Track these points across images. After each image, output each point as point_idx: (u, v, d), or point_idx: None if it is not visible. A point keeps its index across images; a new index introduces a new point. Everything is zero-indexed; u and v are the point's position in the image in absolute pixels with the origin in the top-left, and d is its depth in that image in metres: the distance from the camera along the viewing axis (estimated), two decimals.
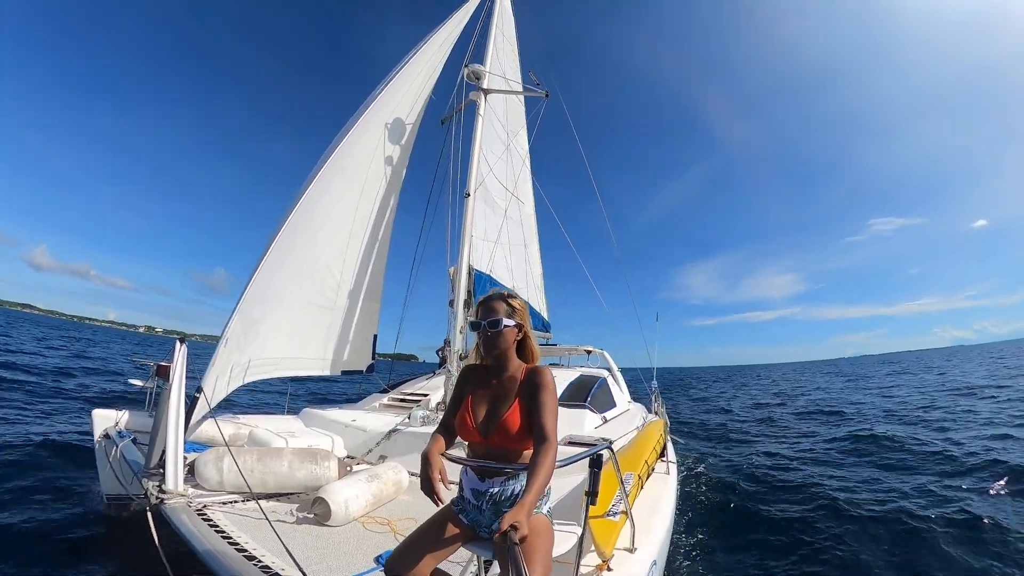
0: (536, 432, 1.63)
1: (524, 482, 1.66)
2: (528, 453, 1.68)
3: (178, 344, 2.77)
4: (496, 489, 1.67)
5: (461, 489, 1.79)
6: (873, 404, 15.70)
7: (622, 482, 2.38)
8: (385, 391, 6.23)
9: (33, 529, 3.57)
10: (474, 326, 1.81)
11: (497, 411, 1.73)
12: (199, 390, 3.20)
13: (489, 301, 1.83)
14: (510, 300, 1.84)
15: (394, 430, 4.50)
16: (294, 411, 5.72)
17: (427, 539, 1.67)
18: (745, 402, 20.54)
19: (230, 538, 2.38)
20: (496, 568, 1.99)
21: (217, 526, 2.50)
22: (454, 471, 1.79)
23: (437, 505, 1.68)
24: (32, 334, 31.89)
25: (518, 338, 1.83)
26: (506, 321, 1.78)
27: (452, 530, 1.69)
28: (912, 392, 19.04)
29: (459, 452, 1.99)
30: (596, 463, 1.83)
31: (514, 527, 1.29)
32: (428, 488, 1.65)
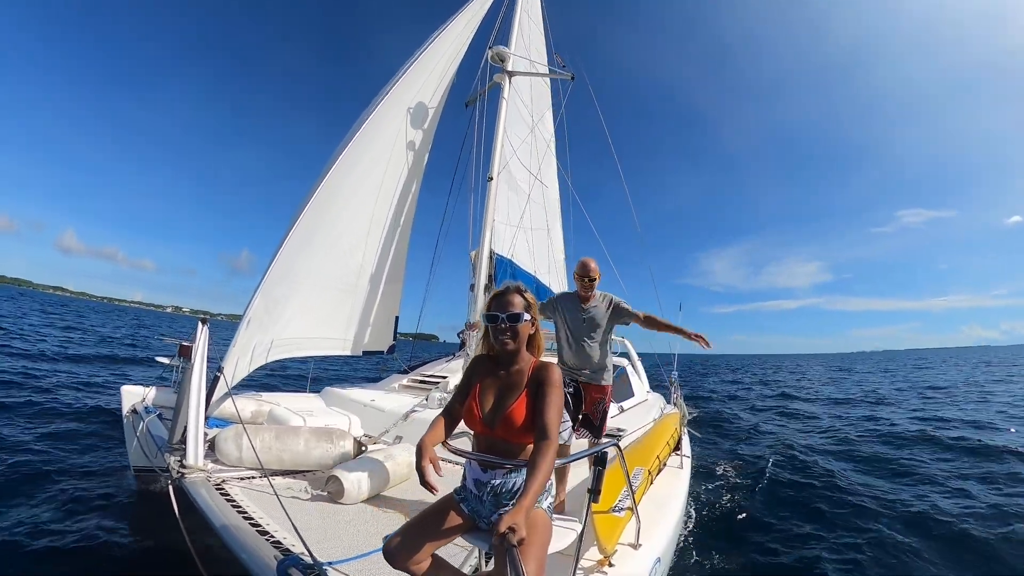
0: (538, 429, 1.62)
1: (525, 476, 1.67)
2: (531, 447, 1.67)
3: (200, 325, 2.86)
4: (498, 481, 1.68)
5: (464, 478, 1.81)
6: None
7: (629, 479, 2.37)
8: (405, 372, 6.33)
9: (68, 497, 3.84)
10: (491, 319, 1.80)
11: (503, 403, 1.73)
12: (220, 370, 3.32)
13: (506, 294, 1.83)
14: (525, 294, 1.85)
15: (411, 411, 4.57)
16: (316, 390, 5.88)
17: (426, 527, 1.70)
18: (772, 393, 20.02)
19: (245, 512, 2.48)
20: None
21: (234, 500, 2.61)
22: (457, 467, 1.81)
23: (433, 493, 1.71)
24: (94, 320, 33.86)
25: (531, 332, 1.84)
26: (525, 315, 1.78)
27: (452, 520, 1.72)
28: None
29: (465, 443, 2.01)
30: (600, 461, 1.81)
31: (512, 530, 1.29)
32: (421, 478, 1.68)
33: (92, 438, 5.56)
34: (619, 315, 3.34)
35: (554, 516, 1.76)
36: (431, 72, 5.81)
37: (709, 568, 3.97)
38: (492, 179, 6.32)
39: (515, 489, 1.68)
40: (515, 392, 1.74)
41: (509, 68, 6.56)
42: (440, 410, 4.74)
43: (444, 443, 1.92)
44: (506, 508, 1.65)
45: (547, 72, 8.13)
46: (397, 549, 1.63)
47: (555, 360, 2.64)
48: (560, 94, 8.18)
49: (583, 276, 3.29)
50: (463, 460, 1.84)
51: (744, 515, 5.23)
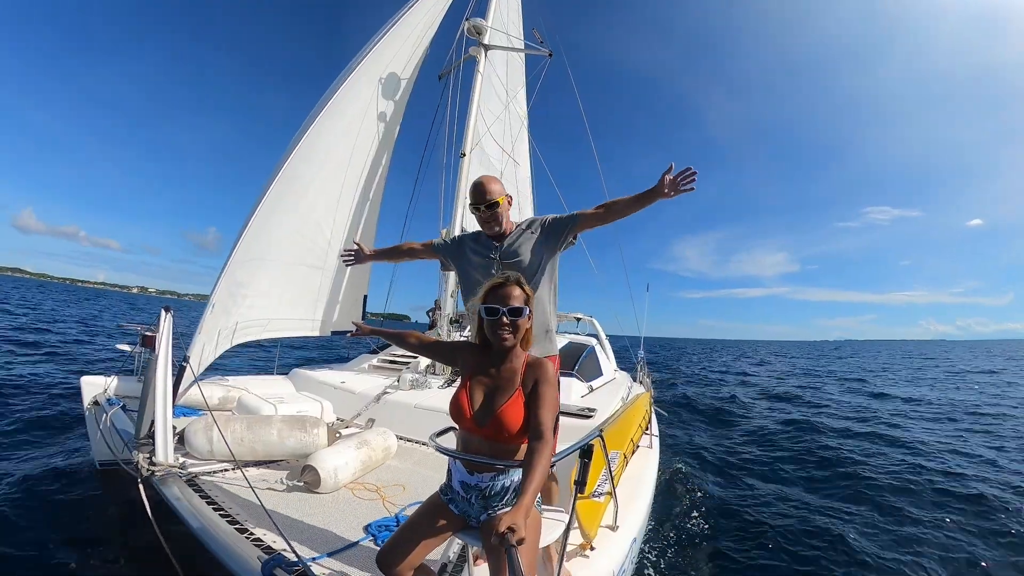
0: (533, 428, 1.60)
1: (513, 477, 1.67)
2: (522, 448, 1.66)
3: (163, 313, 2.71)
4: (485, 484, 1.67)
5: (449, 479, 1.79)
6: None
7: (608, 464, 2.42)
8: (375, 352, 6.25)
9: (29, 496, 3.64)
10: (490, 312, 1.71)
11: (495, 401, 1.69)
12: (186, 359, 3.17)
13: (506, 286, 1.73)
14: (524, 286, 1.77)
15: (383, 393, 4.53)
16: (284, 371, 5.73)
17: (418, 530, 1.68)
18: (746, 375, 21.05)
19: (222, 509, 2.42)
20: (475, 548, 2.04)
21: (208, 496, 2.53)
22: (444, 461, 1.80)
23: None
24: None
25: (528, 326, 1.77)
26: (526, 309, 1.72)
27: (442, 520, 1.71)
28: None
29: (451, 442, 2.00)
30: (586, 454, 1.82)
31: (512, 530, 1.29)
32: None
33: (50, 430, 5.28)
34: (557, 233, 2.35)
35: (542, 508, 1.79)
36: (404, 41, 5.55)
37: (676, 542, 4.23)
38: (465, 155, 6.19)
39: (504, 490, 1.67)
40: (508, 390, 1.70)
41: (485, 41, 6.35)
42: (412, 390, 4.71)
43: (430, 437, 1.89)
44: (495, 509, 1.65)
45: (524, 48, 7.91)
46: (391, 556, 1.62)
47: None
48: (536, 71, 8.01)
49: (476, 206, 2.30)
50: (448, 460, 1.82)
51: (709, 490, 5.58)
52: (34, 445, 4.82)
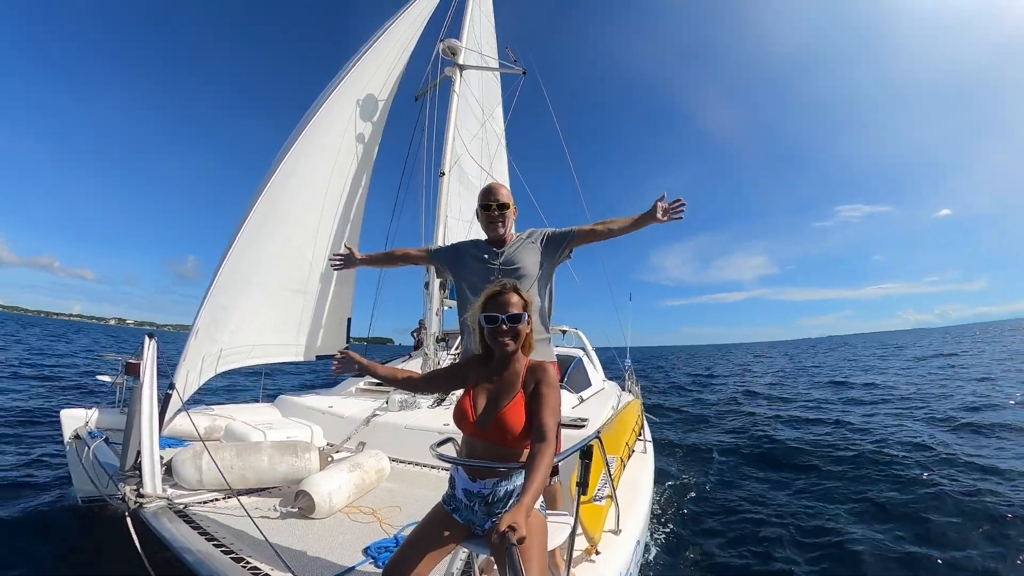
0: (535, 430, 1.62)
1: (516, 482, 1.67)
2: (524, 452, 1.67)
3: (147, 340, 2.64)
4: (488, 491, 1.67)
5: (452, 487, 1.78)
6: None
7: (608, 466, 2.43)
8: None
9: (9, 533, 3.46)
10: (489, 320, 1.74)
11: (497, 405, 1.71)
12: (171, 387, 3.08)
13: (503, 294, 1.77)
14: (522, 293, 1.81)
15: (372, 416, 4.47)
16: (269, 398, 5.60)
17: (423, 543, 1.66)
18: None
19: (214, 539, 2.33)
20: (481, 558, 2.02)
21: (200, 527, 2.44)
22: (440, 481, 1.78)
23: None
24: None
25: (527, 332, 1.80)
26: (525, 315, 1.75)
27: (447, 530, 1.69)
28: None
29: (450, 450, 1.99)
30: (587, 455, 1.84)
31: (512, 528, 1.28)
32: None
33: (31, 467, 5.03)
34: (556, 245, 2.45)
35: (547, 513, 1.78)
36: (381, 63, 5.62)
37: (677, 544, 4.25)
38: (444, 174, 6.25)
39: (507, 496, 1.67)
40: (509, 394, 1.72)
41: (460, 61, 6.47)
42: (401, 411, 4.65)
43: (431, 447, 1.89)
44: (499, 516, 1.64)
45: (498, 67, 8.08)
46: (397, 571, 1.59)
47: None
48: (511, 89, 8.19)
49: (488, 204, 2.37)
50: (450, 467, 1.81)
51: (705, 489, 5.65)
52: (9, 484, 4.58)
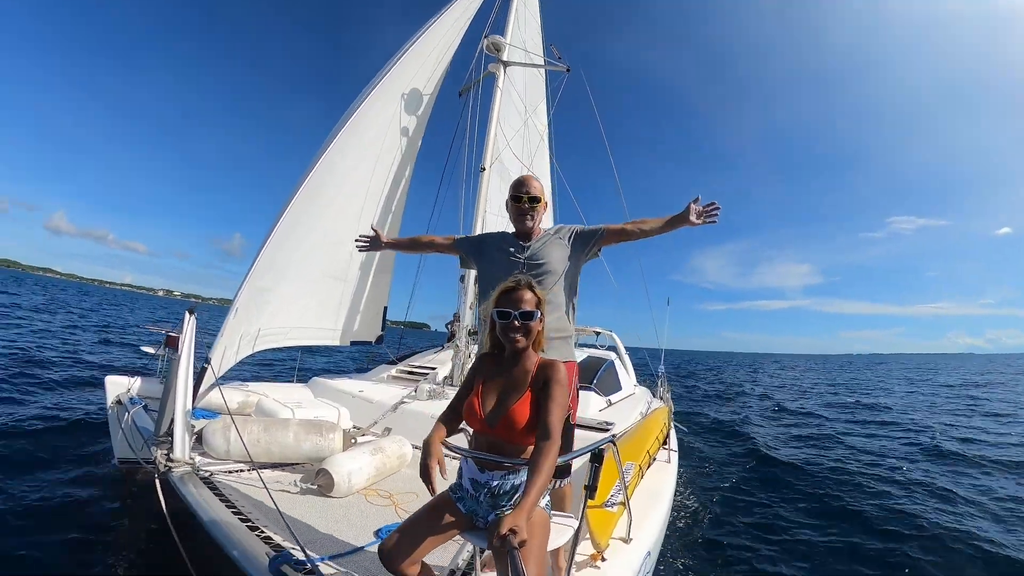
0: (540, 428, 1.60)
1: (524, 477, 1.65)
2: (531, 449, 1.65)
3: (187, 315, 2.79)
4: (496, 482, 1.66)
5: (460, 477, 1.78)
6: None
7: (622, 474, 2.37)
8: (394, 362, 6.30)
9: (50, 490, 3.75)
10: (502, 315, 1.74)
11: (506, 401, 1.70)
12: (208, 361, 3.25)
13: (517, 290, 1.76)
14: (536, 289, 1.79)
15: (400, 403, 4.55)
16: (303, 379, 5.81)
17: (422, 526, 1.67)
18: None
19: (234, 507, 2.44)
20: (484, 554, 2.01)
21: (222, 495, 2.57)
22: (454, 461, 1.79)
23: (431, 494, 1.69)
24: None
25: (539, 329, 1.79)
26: (537, 312, 1.74)
27: (448, 518, 1.69)
28: None
29: (462, 441, 1.99)
30: (597, 458, 1.80)
31: (513, 532, 1.27)
32: (425, 476, 1.66)
33: (76, 427, 5.43)
34: (584, 243, 2.42)
35: (552, 513, 1.76)
36: (426, 58, 5.70)
37: (693, 561, 4.05)
38: (485, 169, 6.28)
39: (513, 489, 1.66)
40: (519, 391, 1.71)
41: (504, 58, 6.48)
42: (429, 401, 4.71)
43: (443, 441, 1.90)
44: (504, 509, 1.64)
45: (543, 64, 8.06)
46: (394, 550, 1.60)
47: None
48: (555, 86, 8.14)
49: (519, 196, 2.35)
50: (459, 456, 1.82)
51: (724, 508, 5.38)
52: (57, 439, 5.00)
